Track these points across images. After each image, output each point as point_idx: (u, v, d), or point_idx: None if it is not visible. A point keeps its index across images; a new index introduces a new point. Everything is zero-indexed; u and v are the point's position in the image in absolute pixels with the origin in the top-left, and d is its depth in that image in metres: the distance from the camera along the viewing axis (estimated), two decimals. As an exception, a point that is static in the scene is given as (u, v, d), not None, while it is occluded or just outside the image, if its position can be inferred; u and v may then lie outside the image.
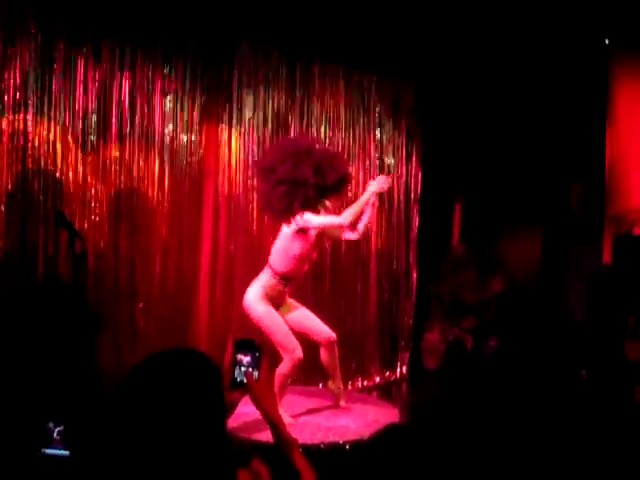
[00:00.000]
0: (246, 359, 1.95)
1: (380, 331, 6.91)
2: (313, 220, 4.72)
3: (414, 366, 7.08)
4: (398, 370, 7.07)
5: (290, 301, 5.04)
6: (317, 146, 5.05)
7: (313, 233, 4.84)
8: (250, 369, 1.94)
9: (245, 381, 1.93)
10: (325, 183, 4.76)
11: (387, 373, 6.97)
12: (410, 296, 7.18)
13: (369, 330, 6.79)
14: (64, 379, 1.87)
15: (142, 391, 1.52)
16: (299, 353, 4.73)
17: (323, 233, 4.98)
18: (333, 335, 5.06)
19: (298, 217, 4.73)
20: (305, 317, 5.03)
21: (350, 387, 6.43)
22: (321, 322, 5.07)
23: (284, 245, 4.82)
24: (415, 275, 7.22)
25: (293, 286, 5.04)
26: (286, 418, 4.69)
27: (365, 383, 6.70)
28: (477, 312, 7.33)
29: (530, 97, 7.33)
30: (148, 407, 1.50)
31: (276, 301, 4.88)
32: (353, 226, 4.90)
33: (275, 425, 1.93)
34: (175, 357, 1.60)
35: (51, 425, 1.76)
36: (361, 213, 4.83)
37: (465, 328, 7.24)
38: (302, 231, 4.78)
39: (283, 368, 4.75)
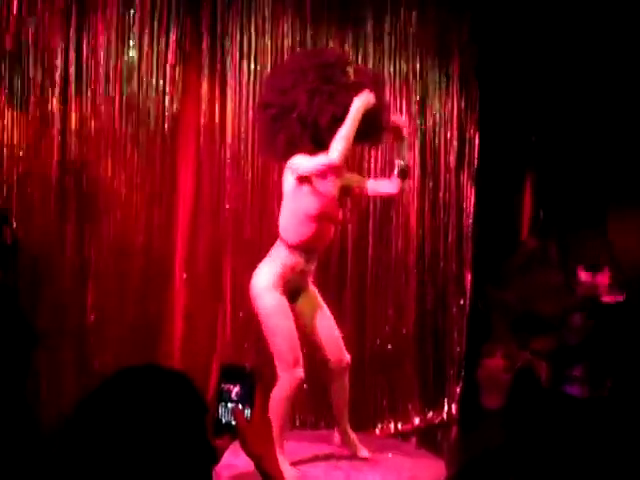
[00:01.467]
0: (235, 391, 1.92)
1: (421, 355, 6.94)
2: (301, 165, 4.58)
3: (468, 404, 7.08)
4: (445, 409, 7.10)
5: (312, 289, 4.96)
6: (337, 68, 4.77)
7: (321, 183, 4.72)
8: (240, 405, 1.91)
9: (233, 422, 1.90)
10: (318, 121, 4.59)
11: (430, 413, 7.00)
12: (463, 307, 7.19)
13: (406, 354, 6.81)
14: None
15: (95, 428, 1.51)
16: (300, 373, 4.66)
17: (341, 185, 4.91)
18: (347, 358, 5.02)
19: (290, 162, 4.63)
20: (322, 321, 4.98)
21: (379, 431, 6.46)
22: (339, 336, 5.01)
23: (290, 204, 4.72)
24: (470, 278, 7.25)
25: (316, 263, 4.92)
26: (289, 471, 4.63)
27: (400, 426, 6.73)
28: (556, 329, 7.29)
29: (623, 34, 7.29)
30: (102, 451, 1.49)
31: (295, 285, 4.80)
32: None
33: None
34: (144, 377, 1.58)
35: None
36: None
37: (539, 351, 7.20)
38: (305, 180, 4.69)
39: (279, 392, 4.66)
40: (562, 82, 7.53)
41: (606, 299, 7.23)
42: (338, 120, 4.52)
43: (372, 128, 4.71)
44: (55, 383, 5.04)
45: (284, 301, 4.71)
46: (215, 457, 1.67)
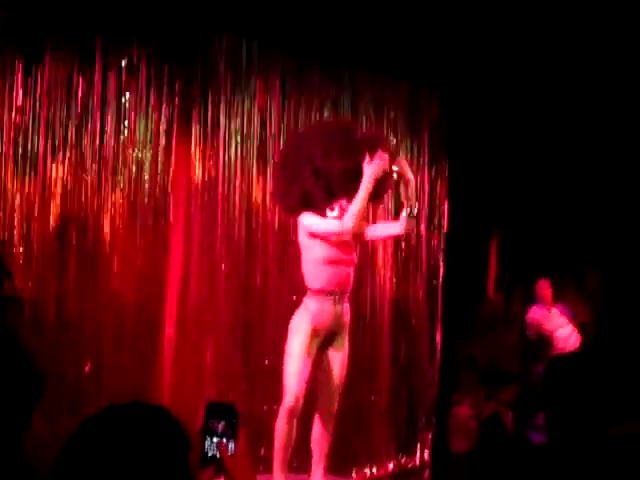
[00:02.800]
0: (220, 427, 1.95)
1: (395, 404, 6.92)
2: (315, 226, 4.78)
3: (439, 450, 7.05)
4: (418, 455, 7.07)
5: (344, 338, 4.99)
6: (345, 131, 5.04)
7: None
8: (224, 439, 1.94)
9: (218, 456, 1.93)
10: (330, 173, 4.76)
11: (404, 459, 6.96)
12: (434, 360, 7.21)
13: (380, 402, 6.80)
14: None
15: (84, 461, 1.51)
16: (291, 403, 4.74)
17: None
18: (335, 405, 5.06)
19: (301, 219, 4.82)
20: (333, 366, 4.99)
21: (355, 476, 6.42)
22: (341, 386, 5.03)
23: (305, 254, 4.88)
24: (440, 333, 7.27)
25: (347, 307, 4.99)
26: None
27: (375, 471, 6.68)
28: (520, 381, 7.32)
29: (581, 108, 7.43)
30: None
31: (331, 329, 4.90)
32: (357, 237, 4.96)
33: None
34: (128, 413, 1.59)
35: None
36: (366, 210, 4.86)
37: (505, 401, 7.22)
38: (316, 235, 4.81)
39: (278, 424, 4.81)
40: (526, 154, 7.65)
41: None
42: (349, 172, 4.74)
43: (381, 189, 4.90)
44: (51, 427, 5.03)
45: (303, 348, 4.80)
46: None
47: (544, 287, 7.71)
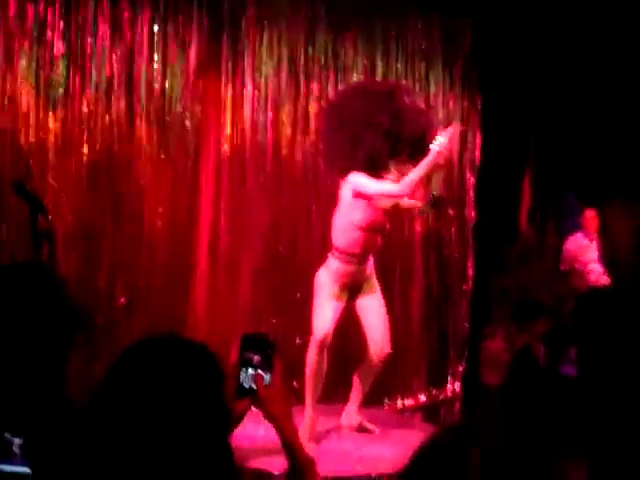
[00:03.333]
0: (256, 359, 1.95)
1: (426, 337, 6.95)
2: (367, 186, 4.80)
3: (470, 382, 7.08)
4: (449, 387, 7.11)
5: (373, 284, 5.15)
6: (401, 93, 5.10)
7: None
8: (260, 371, 1.94)
9: (254, 387, 1.93)
10: (400, 134, 4.83)
11: (435, 391, 6.99)
12: (465, 292, 7.20)
13: (412, 335, 6.82)
14: (28, 381, 1.88)
15: (121, 393, 1.53)
16: (320, 336, 4.90)
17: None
18: (388, 349, 5.17)
19: (352, 178, 4.83)
20: (370, 310, 5.14)
21: (387, 407, 6.47)
22: (386, 327, 5.17)
23: (343, 214, 4.94)
24: (472, 266, 7.23)
25: (371, 262, 5.10)
26: (309, 413, 4.97)
27: (406, 403, 6.73)
28: (552, 314, 7.30)
29: (613, 35, 7.25)
30: (127, 415, 1.51)
31: (353, 283, 5.04)
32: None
33: (289, 442, 1.94)
34: (164, 347, 1.59)
35: (8, 437, 1.78)
36: (424, 180, 4.78)
37: (537, 334, 7.21)
38: (363, 196, 4.86)
39: (309, 355, 4.98)
40: (559, 85, 7.52)
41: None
42: (416, 135, 4.87)
43: (411, 149, 4.92)
44: (87, 365, 5.11)
45: (331, 296, 4.96)
46: (229, 424, 1.68)
47: (590, 217, 7.65)
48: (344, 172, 4.94)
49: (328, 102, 5.50)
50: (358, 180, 4.81)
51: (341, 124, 4.95)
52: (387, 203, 4.94)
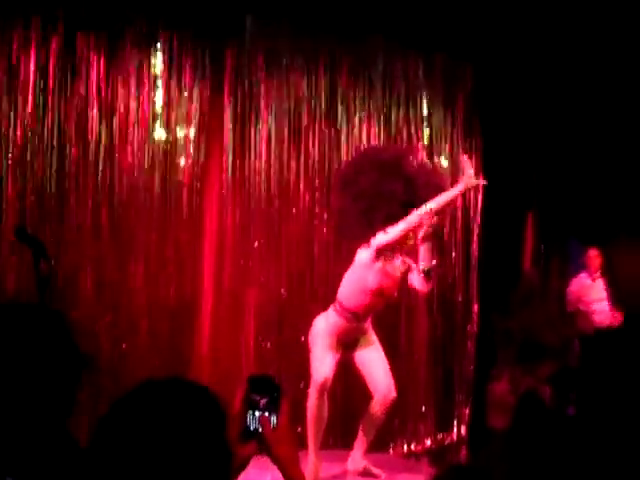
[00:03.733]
0: (262, 401, 1.92)
1: (432, 380, 6.91)
2: (391, 233, 4.87)
3: (476, 426, 7.01)
4: (455, 431, 7.05)
5: (370, 335, 5.17)
6: (409, 158, 5.25)
7: (390, 265, 4.94)
8: (266, 413, 1.91)
9: (260, 429, 1.90)
10: (414, 199, 4.92)
11: (441, 435, 6.95)
12: (470, 335, 7.15)
13: (417, 379, 6.78)
14: (34, 424, 1.84)
15: (122, 434, 1.50)
16: (319, 381, 4.91)
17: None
18: (393, 393, 5.14)
19: (373, 242, 4.91)
20: (370, 359, 5.15)
21: (392, 452, 6.40)
22: (388, 373, 5.15)
23: (358, 275, 4.98)
24: (477, 308, 7.20)
25: (371, 320, 5.15)
26: (312, 458, 4.99)
27: (412, 447, 6.69)
28: (558, 356, 7.24)
29: (619, 79, 7.28)
30: (129, 457, 1.48)
31: (350, 338, 5.07)
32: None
33: (297, 486, 1.90)
34: (167, 388, 1.56)
35: (9, 481, 1.74)
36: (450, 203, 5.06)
37: (542, 376, 7.14)
38: (380, 256, 4.91)
39: (309, 401, 4.98)
40: (560, 127, 7.54)
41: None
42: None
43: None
44: (90, 406, 5.05)
45: (327, 347, 4.99)
46: (231, 467, 1.65)
47: (594, 256, 7.65)
48: (360, 239, 5.03)
49: (338, 175, 5.52)
50: (379, 239, 4.89)
51: (355, 197, 5.04)
52: (397, 269, 5.00)
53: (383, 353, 5.19)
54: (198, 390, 1.59)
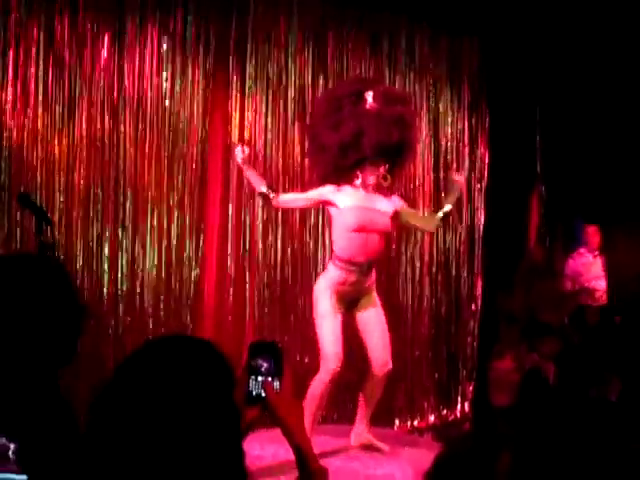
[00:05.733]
0: (265, 366, 1.88)
1: (435, 356, 6.87)
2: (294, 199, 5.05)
3: (479, 402, 6.99)
4: (459, 407, 7.02)
5: (373, 297, 5.04)
6: (371, 95, 4.85)
7: (376, 200, 4.87)
8: (269, 378, 1.87)
9: (263, 394, 1.85)
10: (360, 145, 4.73)
11: (444, 411, 6.92)
12: (474, 312, 7.10)
13: (421, 355, 6.75)
14: (28, 379, 1.80)
15: (128, 395, 1.45)
16: (332, 365, 4.76)
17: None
18: (390, 365, 5.05)
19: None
20: (371, 324, 5.02)
21: (397, 427, 6.37)
22: (387, 342, 5.05)
23: (335, 220, 4.92)
24: (481, 285, 7.15)
25: (372, 274, 5.00)
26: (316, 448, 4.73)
27: (416, 423, 6.66)
28: (561, 333, 7.20)
29: (621, 61, 7.21)
30: (135, 415, 1.43)
31: (352, 295, 4.93)
32: None
33: (301, 450, 1.85)
34: (175, 346, 1.52)
35: (4, 441, 1.70)
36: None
37: (546, 354, 7.10)
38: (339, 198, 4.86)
39: (317, 379, 4.84)
40: (565, 102, 7.48)
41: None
42: (347, 147, 4.67)
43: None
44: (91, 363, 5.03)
45: (330, 307, 4.84)
46: (239, 420, 1.62)
47: (593, 233, 7.61)
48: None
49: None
50: (285, 198, 5.03)
51: (311, 133, 5.06)
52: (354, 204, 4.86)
53: (384, 318, 5.06)
54: (206, 347, 1.56)
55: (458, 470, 1.57)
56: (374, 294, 5.05)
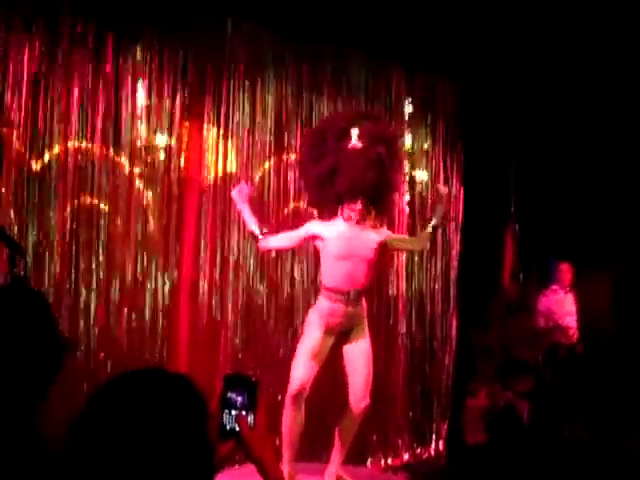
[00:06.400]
0: (239, 400, 1.87)
1: (410, 394, 6.83)
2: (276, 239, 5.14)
3: (454, 440, 6.96)
4: (433, 445, 6.97)
5: (362, 332, 5.09)
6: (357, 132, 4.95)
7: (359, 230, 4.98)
8: (244, 412, 1.86)
9: (237, 429, 1.85)
10: (338, 188, 4.87)
11: (419, 449, 6.87)
12: (449, 349, 7.09)
13: (395, 392, 6.71)
14: (4, 414, 1.78)
15: (100, 428, 1.44)
16: (295, 389, 4.85)
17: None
18: (367, 400, 5.06)
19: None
20: (356, 357, 5.07)
21: (370, 465, 6.33)
22: (369, 377, 5.09)
23: (321, 251, 5.07)
24: (455, 322, 7.13)
25: (362, 305, 5.07)
26: (287, 469, 4.87)
27: (390, 461, 6.60)
28: (535, 371, 7.21)
29: (597, 105, 7.31)
30: (108, 446, 1.42)
31: (345, 326, 4.99)
32: None
33: (275, 485, 1.85)
34: (147, 380, 1.51)
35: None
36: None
37: (520, 391, 7.10)
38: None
39: (285, 411, 4.93)
40: (539, 145, 7.57)
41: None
42: (323, 182, 4.76)
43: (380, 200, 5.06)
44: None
45: (315, 338, 4.94)
46: (213, 455, 1.61)
47: (565, 270, 7.67)
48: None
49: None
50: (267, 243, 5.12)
51: (299, 164, 5.32)
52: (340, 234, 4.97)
53: (371, 351, 5.11)
54: (180, 381, 1.55)
55: None
56: (364, 327, 5.10)
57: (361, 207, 4.89)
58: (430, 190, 6.95)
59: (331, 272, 4.92)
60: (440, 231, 6.49)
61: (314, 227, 4.99)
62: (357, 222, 4.91)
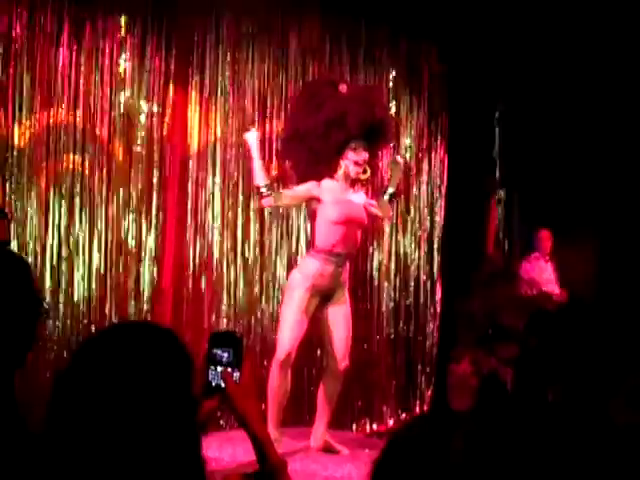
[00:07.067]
0: (224, 356, 1.88)
1: (394, 361, 6.87)
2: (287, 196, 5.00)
3: (438, 406, 7.01)
4: (417, 411, 7.01)
5: (343, 296, 5.08)
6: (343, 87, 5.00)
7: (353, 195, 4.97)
8: (229, 369, 1.87)
9: (223, 385, 1.85)
10: (350, 126, 4.81)
11: (403, 415, 6.90)
12: (433, 316, 7.11)
13: (380, 359, 6.74)
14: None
15: (84, 382, 1.44)
16: (282, 355, 4.84)
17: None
18: (345, 362, 5.08)
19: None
20: (337, 319, 5.06)
21: (355, 431, 6.35)
22: (349, 340, 5.10)
23: (319, 214, 4.99)
24: (440, 289, 7.15)
25: (348, 267, 5.06)
26: (273, 434, 4.69)
27: (375, 427, 6.64)
28: (520, 338, 7.26)
29: (594, 68, 7.30)
30: (90, 407, 1.42)
31: (327, 287, 4.96)
32: None
33: (260, 442, 1.85)
34: (133, 332, 1.52)
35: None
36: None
37: (504, 358, 7.15)
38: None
39: (270, 376, 4.91)
40: (525, 111, 7.56)
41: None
42: (332, 126, 4.78)
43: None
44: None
45: (300, 300, 4.90)
46: (197, 410, 1.63)
47: (545, 237, 7.69)
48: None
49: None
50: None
51: (291, 124, 5.14)
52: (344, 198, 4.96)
53: (350, 316, 5.12)
54: (167, 335, 1.56)
55: (412, 448, 1.58)
56: (345, 291, 5.10)
57: (367, 157, 4.91)
58: (414, 158, 6.96)
59: (327, 234, 4.92)
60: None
61: (314, 189, 4.94)
62: (351, 183, 4.93)
